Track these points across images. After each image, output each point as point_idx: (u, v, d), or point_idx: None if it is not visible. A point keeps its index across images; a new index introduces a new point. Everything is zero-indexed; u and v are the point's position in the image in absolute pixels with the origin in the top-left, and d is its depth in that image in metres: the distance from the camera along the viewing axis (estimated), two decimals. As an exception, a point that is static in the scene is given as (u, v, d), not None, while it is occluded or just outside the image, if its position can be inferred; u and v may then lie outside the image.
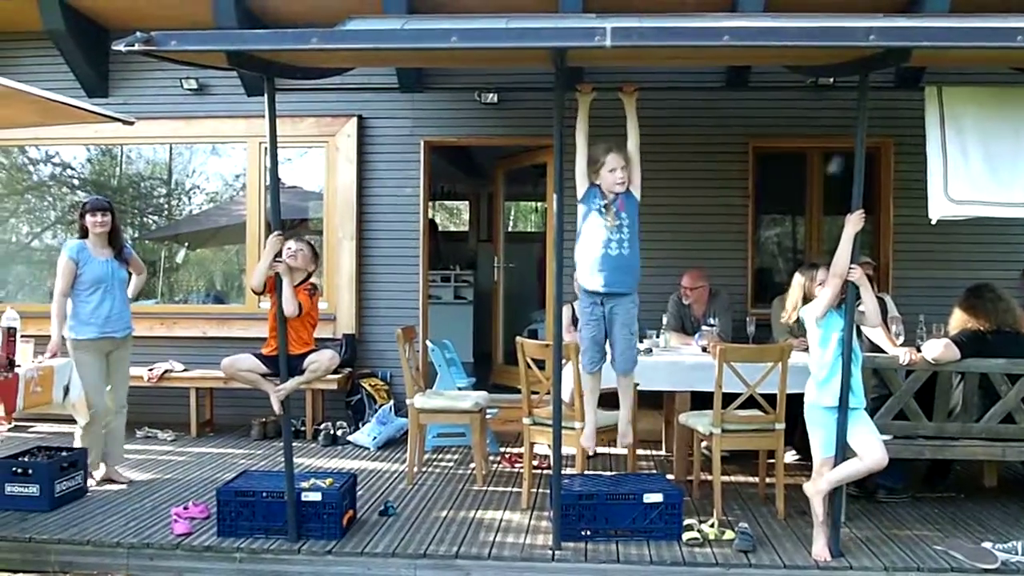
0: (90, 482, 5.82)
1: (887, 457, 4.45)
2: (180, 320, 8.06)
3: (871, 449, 4.43)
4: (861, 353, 4.58)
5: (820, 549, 4.52)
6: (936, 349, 4.99)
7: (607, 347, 4.87)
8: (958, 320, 5.30)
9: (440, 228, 13.62)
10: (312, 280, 5.39)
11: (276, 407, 5.02)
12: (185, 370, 7.64)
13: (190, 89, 7.93)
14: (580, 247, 4.76)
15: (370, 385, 7.65)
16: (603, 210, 4.62)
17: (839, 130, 7.02)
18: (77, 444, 5.88)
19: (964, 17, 5.39)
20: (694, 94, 7.55)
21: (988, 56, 4.92)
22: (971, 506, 5.46)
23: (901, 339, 5.49)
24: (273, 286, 4.99)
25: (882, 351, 5.31)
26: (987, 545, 4.58)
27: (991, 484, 5.87)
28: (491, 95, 7.70)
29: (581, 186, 4.69)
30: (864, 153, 4.41)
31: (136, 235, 8.79)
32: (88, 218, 5.75)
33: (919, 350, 5.12)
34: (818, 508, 4.52)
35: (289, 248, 5.14)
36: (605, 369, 4.92)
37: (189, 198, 8.87)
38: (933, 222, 5.08)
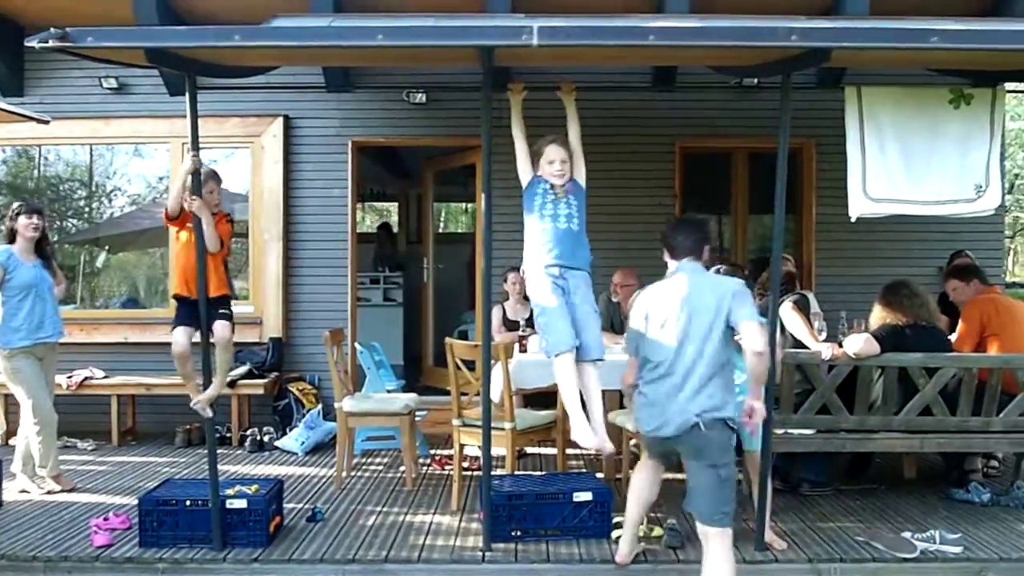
0: (35, 491, 5.72)
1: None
2: (101, 326, 7.83)
3: None
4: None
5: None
6: (857, 344, 5.11)
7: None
8: (877, 316, 5.45)
9: (367, 230, 13.43)
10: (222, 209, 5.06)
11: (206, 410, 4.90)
12: (106, 377, 7.42)
13: (110, 88, 7.73)
14: (530, 227, 4.51)
15: (298, 389, 7.53)
16: (551, 189, 4.47)
17: (763, 130, 7.09)
18: (23, 453, 5.73)
19: (882, 19, 5.52)
20: (623, 95, 7.60)
21: (905, 57, 5.05)
22: (891, 497, 5.60)
23: (823, 335, 5.60)
24: (188, 216, 4.70)
25: (805, 347, 5.41)
26: (906, 535, 4.70)
27: (910, 475, 6.03)
28: (420, 95, 7.65)
29: (525, 177, 4.58)
30: (787, 152, 4.49)
31: (55, 239, 8.51)
32: (21, 220, 5.61)
33: (841, 345, 5.23)
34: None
35: (209, 188, 4.80)
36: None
37: (110, 200, 8.65)
38: (853, 220, 5.21)
